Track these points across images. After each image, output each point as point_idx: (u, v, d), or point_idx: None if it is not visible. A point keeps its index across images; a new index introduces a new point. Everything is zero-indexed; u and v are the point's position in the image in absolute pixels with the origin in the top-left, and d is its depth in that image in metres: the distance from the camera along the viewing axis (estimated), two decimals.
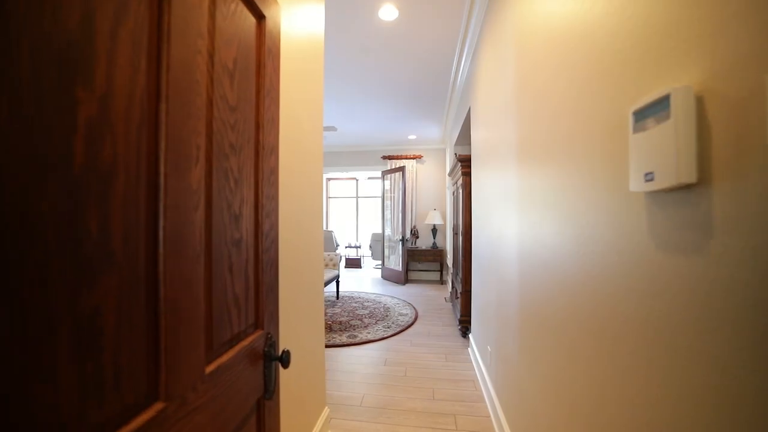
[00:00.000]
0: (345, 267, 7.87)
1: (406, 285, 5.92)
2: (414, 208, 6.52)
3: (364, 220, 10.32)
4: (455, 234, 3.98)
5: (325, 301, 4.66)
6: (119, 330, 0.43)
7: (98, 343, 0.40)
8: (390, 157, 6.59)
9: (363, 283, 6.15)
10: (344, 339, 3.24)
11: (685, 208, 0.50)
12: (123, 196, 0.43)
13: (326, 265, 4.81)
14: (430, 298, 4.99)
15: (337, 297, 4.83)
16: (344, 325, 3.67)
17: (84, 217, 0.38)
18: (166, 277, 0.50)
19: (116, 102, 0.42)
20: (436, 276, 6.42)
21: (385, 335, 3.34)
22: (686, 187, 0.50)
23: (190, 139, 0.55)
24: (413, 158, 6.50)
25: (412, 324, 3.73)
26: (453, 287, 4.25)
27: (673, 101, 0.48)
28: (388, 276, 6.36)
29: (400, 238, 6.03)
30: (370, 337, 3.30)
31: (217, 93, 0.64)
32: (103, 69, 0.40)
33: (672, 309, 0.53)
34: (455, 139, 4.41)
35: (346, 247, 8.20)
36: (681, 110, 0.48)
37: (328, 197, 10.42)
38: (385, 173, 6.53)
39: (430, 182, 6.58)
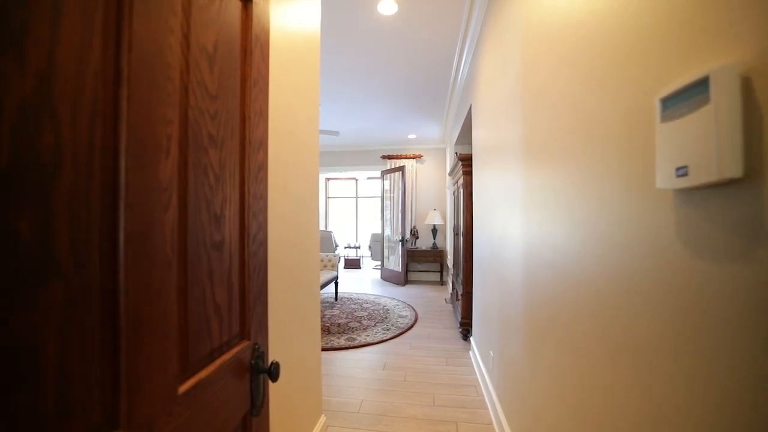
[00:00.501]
0: (344, 267, 7.81)
1: (406, 286, 5.86)
2: (414, 208, 6.46)
3: (363, 221, 10.27)
4: (456, 234, 3.92)
5: (324, 303, 4.59)
6: (65, 351, 0.36)
7: (35, 368, 0.33)
8: (390, 157, 6.53)
9: (362, 284, 6.09)
10: (342, 342, 3.18)
11: (726, 207, 0.44)
12: (70, 193, 0.37)
13: (324, 266, 4.75)
14: (430, 299, 4.93)
15: (336, 298, 4.77)
16: (343, 327, 3.60)
17: (13, 217, 0.31)
18: (128, 286, 0.44)
19: (60, 82, 0.35)
20: (436, 277, 6.35)
21: (385, 338, 3.28)
22: (729, 183, 0.43)
23: (157, 129, 0.48)
24: (413, 158, 6.44)
25: (412, 326, 3.67)
26: (453, 288, 4.19)
27: (713, 84, 0.42)
28: (388, 277, 6.30)
29: (400, 238, 5.97)
30: (369, 339, 3.23)
31: (193, 78, 0.57)
32: (41, 40, 0.33)
33: (704, 319, 0.47)
34: (456, 138, 4.35)
35: (345, 248, 8.14)
36: (723, 94, 0.41)
37: (327, 197, 10.36)
38: (384, 173, 6.46)
39: (430, 182, 6.52)
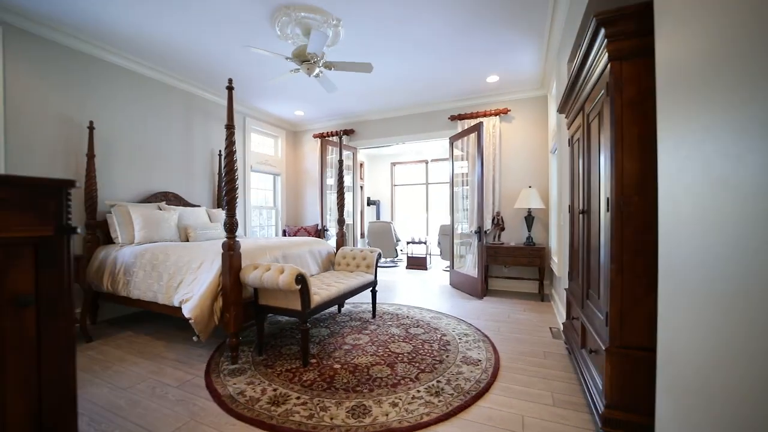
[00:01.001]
0: (407, 268, 6.27)
1: (485, 299, 4.00)
2: (497, 186, 4.51)
3: (435, 211, 8.53)
4: (582, 214, 1.98)
5: (354, 321, 3.13)
6: None
7: None
8: (460, 117, 4.70)
9: (424, 292, 4.44)
10: (340, 416, 1.65)
11: None
12: None
13: (351, 266, 3.29)
14: (523, 326, 3.02)
15: (373, 315, 3.26)
16: (358, 376, 2.07)
17: None
18: None
19: None
20: (532, 287, 4.30)
21: (426, 419, 1.63)
22: None
23: None
24: (495, 114, 4.49)
25: (487, 390, 1.91)
26: (574, 314, 2.25)
27: None
28: (459, 284, 4.51)
29: (475, 229, 4.12)
30: (393, 419, 1.63)
31: None
32: None
33: None
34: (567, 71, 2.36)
35: (408, 243, 6.59)
36: None
37: (393, 185, 8.95)
38: (454, 139, 4.68)
39: (523, 147, 4.46)
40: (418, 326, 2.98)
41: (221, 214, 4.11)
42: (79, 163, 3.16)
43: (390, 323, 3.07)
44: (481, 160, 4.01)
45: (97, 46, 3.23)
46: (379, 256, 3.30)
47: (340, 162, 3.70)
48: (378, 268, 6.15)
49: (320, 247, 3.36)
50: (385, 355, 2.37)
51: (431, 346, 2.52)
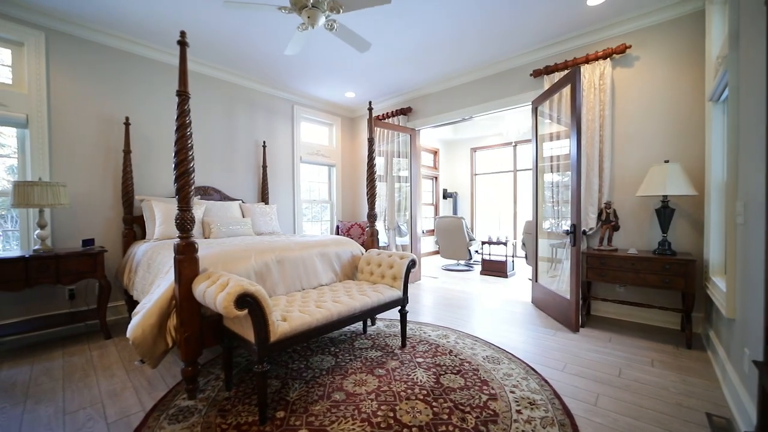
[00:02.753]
0: (482, 273, 5.09)
1: (582, 333, 2.67)
2: (606, 163, 3.03)
3: (525, 203, 6.96)
4: None
5: (371, 351, 2.34)
6: None
7: None
8: (548, 70, 3.34)
9: (492, 311, 3.33)
10: None
11: None
12: None
13: (375, 276, 2.48)
14: (650, 399, 1.71)
15: (402, 344, 2.39)
16: None
17: None
18: None
19: None
20: (669, 320, 2.74)
21: None
22: None
23: None
24: (602, 57, 2.99)
25: None
26: None
27: None
28: (544, 303, 3.23)
29: (569, 228, 2.79)
30: None
31: None
32: None
33: None
34: None
35: (483, 243, 5.37)
36: None
37: (474, 174, 7.68)
38: (537, 103, 3.37)
39: (654, 101, 2.86)
40: (458, 372, 2.00)
41: (260, 208, 3.82)
42: (117, 159, 3.21)
43: (420, 359, 2.17)
44: (577, 126, 2.66)
45: (131, 41, 3.22)
46: (412, 264, 2.40)
47: (370, 141, 2.93)
48: (441, 274, 5.16)
49: (340, 249, 2.66)
50: (385, 426, 1.52)
51: (464, 422, 1.54)
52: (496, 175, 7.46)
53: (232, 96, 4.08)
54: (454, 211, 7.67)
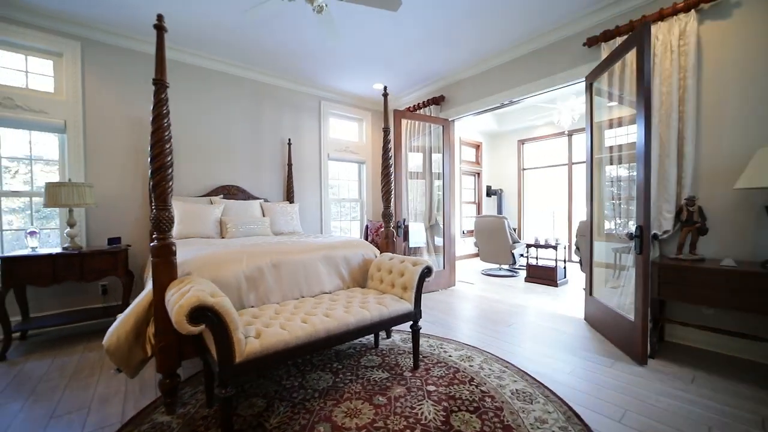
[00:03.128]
0: (526, 280, 4.49)
1: (651, 366, 2.06)
2: (687, 147, 2.34)
3: (581, 201, 6.08)
4: None
5: (377, 371, 2.02)
6: None
7: None
8: (606, 36, 2.70)
9: (533, 328, 2.81)
10: None
11: None
12: None
13: (385, 284, 2.16)
14: None
15: (414, 366, 2.04)
16: None
17: None
18: None
19: None
20: None
21: None
22: None
23: None
24: (682, 10, 2.31)
25: None
26: None
27: None
28: (600, 323, 2.63)
29: (634, 231, 2.18)
30: None
31: None
32: None
33: None
34: None
35: (529, 246, 4.72)
36: None
37: (522, 168, 6.94)
38: (592, 78, 2.76)
39: (760, 68, 2.12)
40: (476, 410, 1.61)
41: (281, 207, 3.72)
42: (146, 160, 3.30)
43: (432, 387, 1.81)
44: (645, 101, 2.05)
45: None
46: (427, 272, 2.04)
47: (385, 130, 2.61)
48: (480, 279, 4.64)
49: (349, 252, 2.39)
50: None
51: None
52: (547, 169, 6.64)
53: (257, 94, 4.05)
54: (499, 210, 6.99)
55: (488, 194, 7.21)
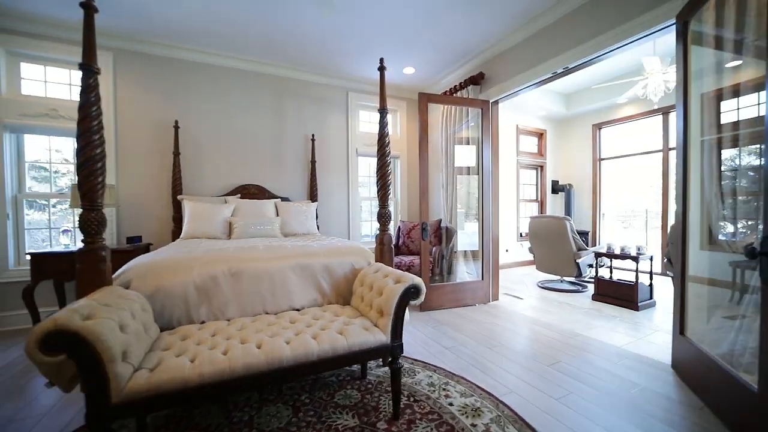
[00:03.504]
0: (594, 298, 3.53)
1: None
2: None
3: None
4: None
5: (344, 415, 1.58)
6: None
7: None
8: None
9: (592, 375, 2.06)
10: None
11: None
12: None
13: (365, 303, 1.70)
14: None
15: (394, 416, 1.55)
16: None
17: None
18: None
19: None
20: None
21: None
22: None
23: None
24: None
25: None
26: None
27: None
28: (698, 378, 1.76)
29: (760, 246, 1.34)
30: None
31: None
32: None
33: None
34: None
35: (599, 255, 3.71)
36: None
37: (598, 159, 5.71)
38: (690, 12, 1.88)
39: None
40: None
41: (295, 207, 3.52)
42: (170, 161, 3.39)
43: None
44: None
45: (179, 47, 3.35)
46: (412, 293, 1.53)
47: (381, 112, 2.16)
48: (533, 293, 3.82)
49: (333, 260, 2.00)
50: None
51: None
52: (633, 158, 5.29)
53: (280, 90, 3.92)
54: (567, 210, 5.84)
55: (554, 191, 6.10)
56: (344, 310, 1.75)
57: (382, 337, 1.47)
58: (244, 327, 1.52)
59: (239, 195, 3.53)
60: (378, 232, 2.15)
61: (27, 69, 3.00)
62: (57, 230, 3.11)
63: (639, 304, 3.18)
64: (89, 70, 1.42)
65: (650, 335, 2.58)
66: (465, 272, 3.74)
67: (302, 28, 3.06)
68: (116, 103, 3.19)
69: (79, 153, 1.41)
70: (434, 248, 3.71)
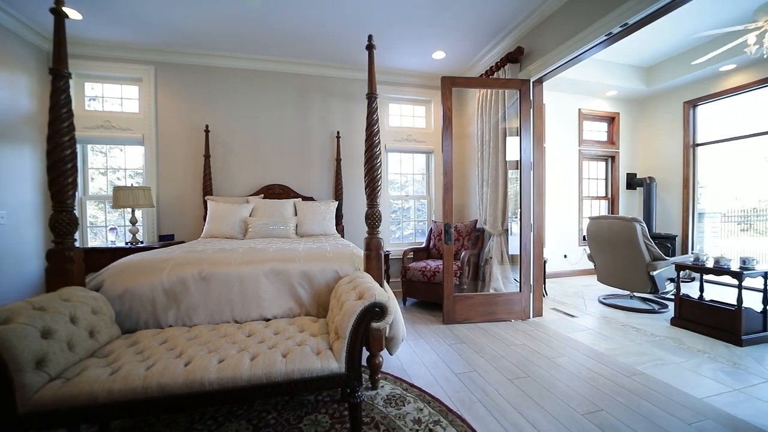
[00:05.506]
0: (673, 323, 2.74)
1: None
2: None
3: None
4: None
5: None
6: None
7: None
8: None
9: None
10: None
11: None
12: None
13: (335, 314, 1.46)
14: None
15: None
16: None
17: None
18: None
19: None
20: None
21: None
22: None
23: None
24: None
25: None
26: None
27: None
28: None
29: None
30: None
31: None
32: None
33: None
34: None
35: (681, 269, 2.86)
36: None
37: (691, 145, 4.57)
38: None
39: None
40: None
41: (312, 207, 3.43)
42: (202, 163, 3.58)
43: None
44: None
45: (210, 54, 3.52)
46: (375, 313, 1.26)
47: (369, 97, 1.89)
48: (593, 310, 3.15)
49: (316, 267, 1.80)
50: None
51: None
52: (746, 141, 4.07)
53: (305, 88, 3.89)
54: (647, 208, 4.78)
55: (629, 186, 5.08)
56: (314, 326, 1.54)
57: (333, 365, 1.22)
58: (198, 336, 1.41)
59: (263, 195, 3.58)
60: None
61: (81, 85, 3.44)
62: (100, 228, 3.49)
63: (743, 337, 2.35)
64: (59, 74, 1.45)
65: (756, 387, 1.85)
66: (504, 281, 3.23)
67: (347, 23, 2.94)
68: (157, 113, 3.47)
69: (49, 155, 1.44)
70: (464, 253, 3.29)
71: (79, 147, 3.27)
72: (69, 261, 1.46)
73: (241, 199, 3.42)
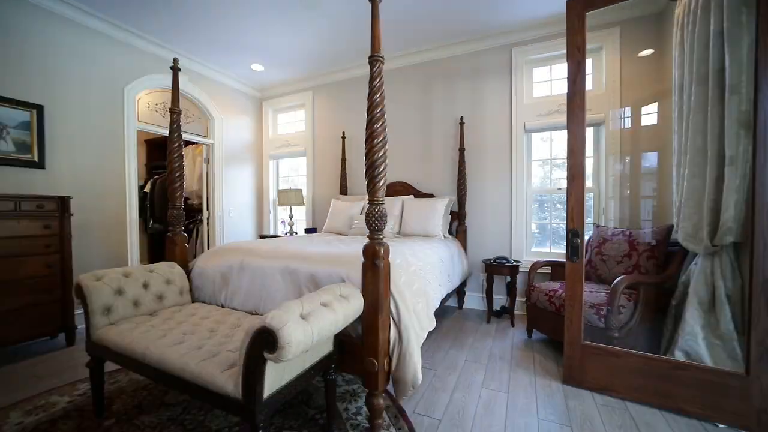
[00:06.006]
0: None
1: None
2: None
3: None
4: None
5: None
6: None
7: None
8: None
9: None
10: None
11: None
12: None
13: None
14: None
15: None
16: None
17: None
18: None
19: None
20: None
21: None
22: None
23: None
24: None
25: None
26: None
27: None
28: None
29: None
30: None
31: None
32: None
33: None
34: None
35: None
36: None
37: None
38: None
39: None
40: None
41: (415, 204, 3.15)
42: (340, 164, 4.08)
43: None
44: None
45: (348, 69, 3.96)
46: (264, 341, 0.98)
47: (371, 61, 1.51)
48: None
49: (322, 269, 1.64)
50: None
51: None
52: None
53: (426, 76, 3.63)
54: None
55: None
56: None
57: (229, 387, 1.06)
58: (206, 317, 1.63)
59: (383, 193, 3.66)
60: (368, 241, 1.50)
61: (275, 117, 4.71)
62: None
63: None
64: (175, 113, 2.06)
65: None
66: (711, 342, 1.74)
67: None
68: (314, 128, 4.28)
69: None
70: (620, 279, 2.02)
71: (272, 161, 4.56)
72: (172, 243, 2.05)
73: (359, 198, 3.65)
